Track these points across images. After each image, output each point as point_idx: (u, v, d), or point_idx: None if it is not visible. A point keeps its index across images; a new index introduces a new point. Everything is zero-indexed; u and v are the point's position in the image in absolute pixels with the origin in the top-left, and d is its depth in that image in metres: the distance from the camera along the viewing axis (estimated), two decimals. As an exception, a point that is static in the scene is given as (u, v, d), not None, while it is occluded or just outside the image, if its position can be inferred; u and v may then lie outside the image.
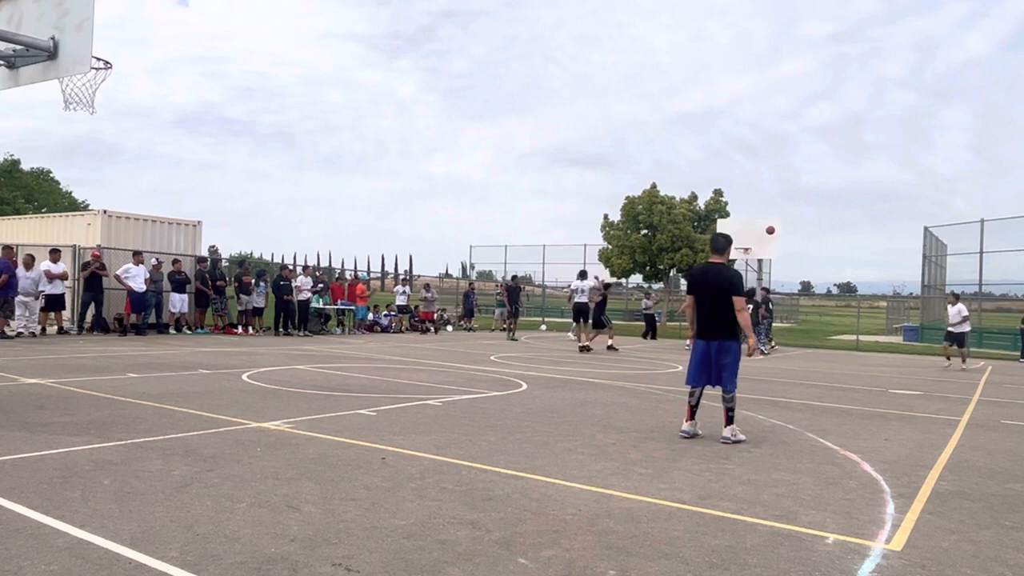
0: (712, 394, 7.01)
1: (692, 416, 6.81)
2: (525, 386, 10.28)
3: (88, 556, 3.23)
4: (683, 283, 44.72)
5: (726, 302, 6.69)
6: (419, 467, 5.14)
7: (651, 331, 26.27)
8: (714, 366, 6.71)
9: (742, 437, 6.62)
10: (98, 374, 9.63)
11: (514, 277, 25.47)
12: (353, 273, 28.18)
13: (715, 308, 6.74)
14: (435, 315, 25.52)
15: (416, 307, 25.39)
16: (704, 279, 6.93)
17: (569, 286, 17.40)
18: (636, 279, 42.45)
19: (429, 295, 25.45)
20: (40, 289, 15.86)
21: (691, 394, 6.85)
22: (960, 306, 17.40)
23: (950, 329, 17.49)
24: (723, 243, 7.11)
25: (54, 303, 16.30)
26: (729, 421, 6.65)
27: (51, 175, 55.62)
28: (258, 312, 20.15)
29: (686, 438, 6.63)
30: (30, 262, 15.73)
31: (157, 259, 17.92)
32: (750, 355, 7.06)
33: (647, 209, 38.70)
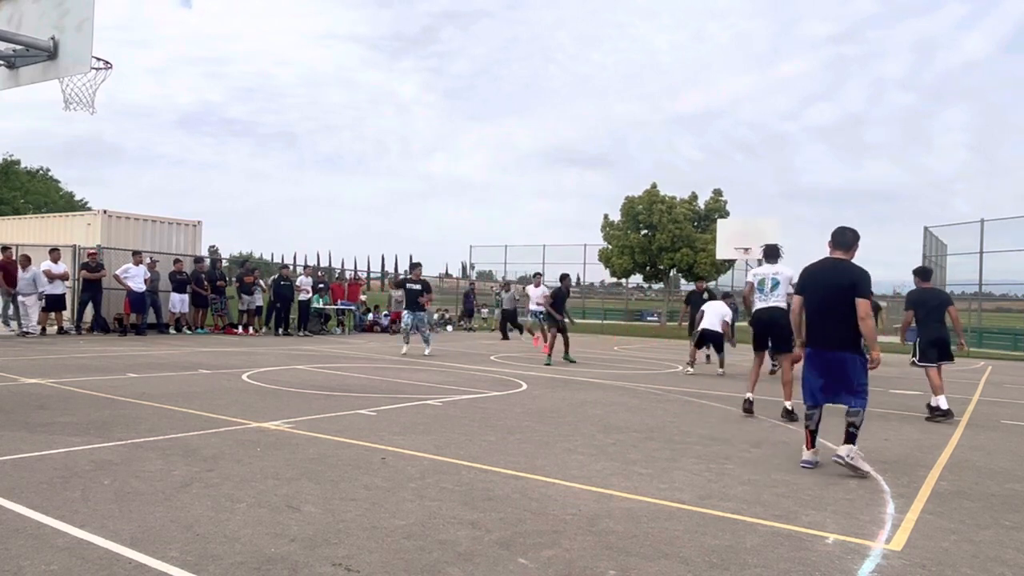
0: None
1: (813, 443, 5.64)
2: (525, 386, 10.28)
3: (88, 556, 3.23)
4: (683, 283, 44.70)
5: (843, 304, 5.46)
6: (419, 467, 5.14)
7: (505, 331, 22.87)
8: (834, 381, 5.58)
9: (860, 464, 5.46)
10: (98, 374, 9.63)
11: (564, 276, 15.76)
12: (353, 273, 28.13)
13: (828, 310, 5.55)
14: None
15: (374, 307, 25.33)
16: (815, 274, 5.76)
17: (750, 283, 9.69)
18: (636, 279, 42.45)
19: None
20: (40, 289, 15.89)
21: (808, 417, 5.68)
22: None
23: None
24: (851, 237, 5.74)
25: (54, 303, 16.32)
26: (849, 438, 5.47)
27: (50, 174, 55.66)
28: (259, 312, 20.17)
29: (808, 468, 5.54)
30: (26, 262, 15.76)
31: (151, 258, 17.88)
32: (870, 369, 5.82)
33: (647, 209, 38.80)
